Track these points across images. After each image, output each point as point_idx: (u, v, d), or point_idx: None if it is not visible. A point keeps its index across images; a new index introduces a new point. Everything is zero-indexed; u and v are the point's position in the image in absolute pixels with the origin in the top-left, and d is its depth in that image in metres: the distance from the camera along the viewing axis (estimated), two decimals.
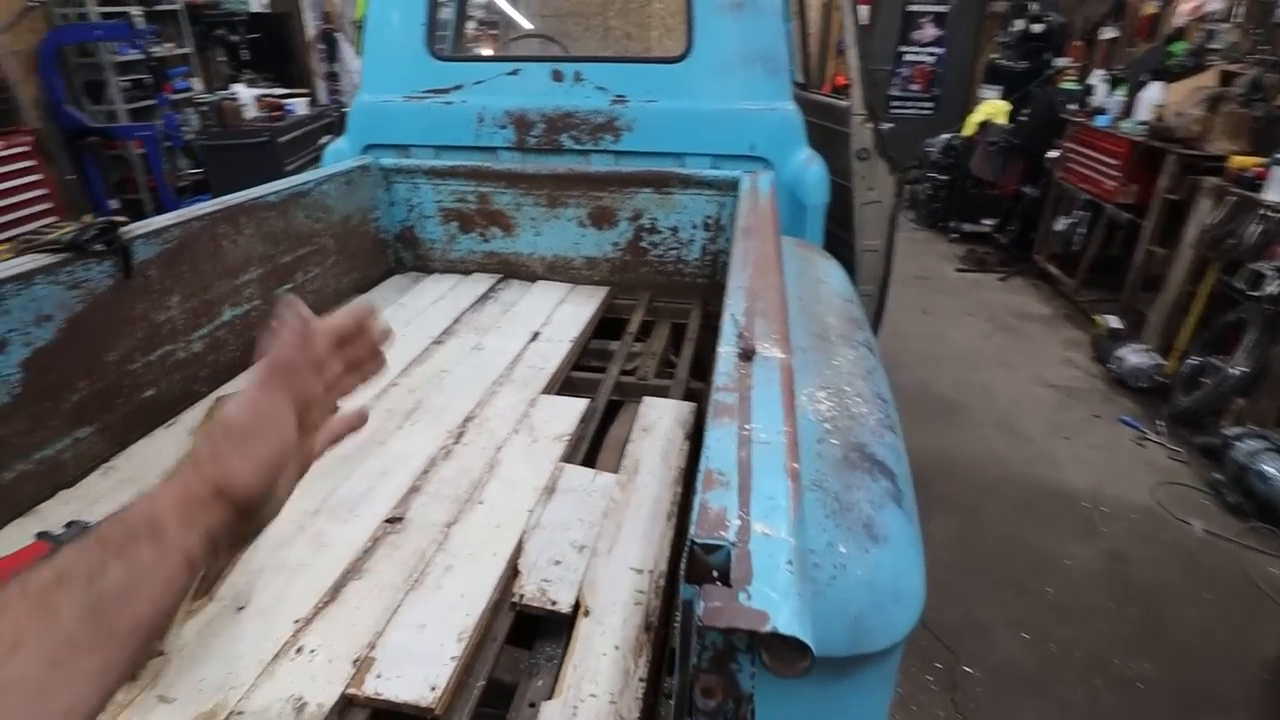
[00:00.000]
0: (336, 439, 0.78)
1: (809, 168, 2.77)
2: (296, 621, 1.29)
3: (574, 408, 1.99)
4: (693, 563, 0.77)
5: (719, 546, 0.79)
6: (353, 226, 2.64)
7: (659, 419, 1.94)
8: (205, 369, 1.96)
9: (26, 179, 5.24)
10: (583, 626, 1.30)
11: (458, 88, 2.86)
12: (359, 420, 0.81)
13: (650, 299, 2.81)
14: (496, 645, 1.30)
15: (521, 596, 1.37)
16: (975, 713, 2.13)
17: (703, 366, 2.31)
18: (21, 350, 1.48)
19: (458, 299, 2.65)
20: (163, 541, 0.50)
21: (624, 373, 2.30)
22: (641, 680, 1.20)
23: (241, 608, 1.32)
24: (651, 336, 2.61)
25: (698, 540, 0.79)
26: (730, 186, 2.64)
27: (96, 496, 1.56)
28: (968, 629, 2.45)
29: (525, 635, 1.40)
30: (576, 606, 1.34)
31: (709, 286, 2.80)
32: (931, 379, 4.42)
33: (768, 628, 0.68)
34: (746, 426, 1.02)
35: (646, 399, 2.05)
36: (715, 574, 0.76)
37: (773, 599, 0.72)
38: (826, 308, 1.78)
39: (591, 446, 1.90)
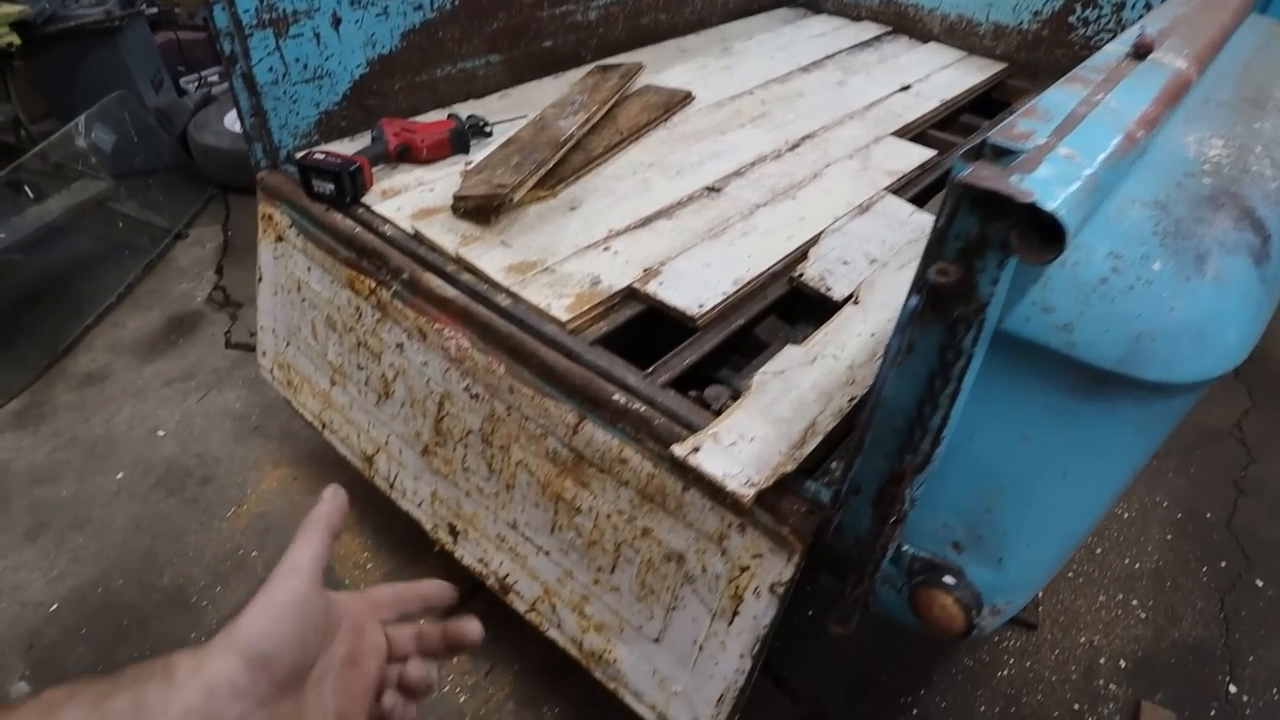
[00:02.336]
0: None
1: None
2: (610, 231, 1.49)
3: (917, 154, 1.88)
4: (977, 152, 0.74)
5: (1013, 151, 0.74)
6: None
7: None
8: (593, 39, 2.19)
9: None
10: (848, 309, 1.32)
11: None
12: None
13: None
14: (764, 304, 1.39)
15: (801, 275, 1.42)
16: (1243, 622, 1.81)
17: None
18: None
19: (838, 39, 2.55)
20: (170, 684, 0.45)
21: None
22: None
23: (573, 208, 1.55)
24: None
25: (991, 140, 0.75)
26: None
27: (492, 111, 1.89)
28: None
29: (791, 315, 1.48)
30: (849, 298, 1.37)
31: None
32: None
33: (1028, 200, 0.64)
34: (1098, 97, 0.90)
35: None
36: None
37: (1047, 188, 0.67)
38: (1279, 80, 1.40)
39: (922, 195, 1.81)
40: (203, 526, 1.94)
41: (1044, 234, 0.67)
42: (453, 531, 1.48)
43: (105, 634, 1.74)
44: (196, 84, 3.51)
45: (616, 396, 1.14)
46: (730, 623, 1.10)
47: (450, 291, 1.34)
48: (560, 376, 1.19)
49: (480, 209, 1.44)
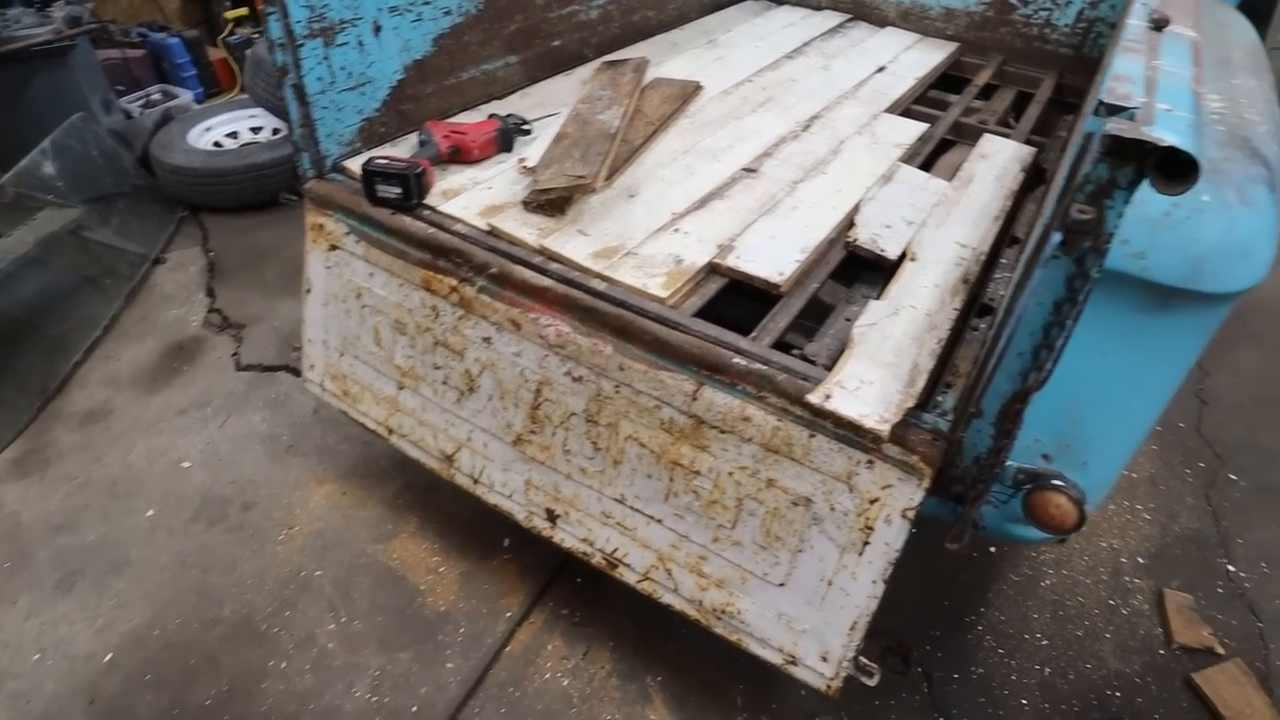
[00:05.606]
0: None
1: None
2: (673, 214, 1.58)
3: (913, 127, 2.04)
4: (1105, 106, 0.87)
5: (1125, 109, 0.88)
6: None
7: (997, 152, 1.94)
8: (594, 36, 2.27)
9: None
10: (908, 267, 1.46)
11: None
12: None
13: (1001, 63, 2.67)
14: (828, 268, 1.51)
15: (855, 240, 1.55)
16: (1227, 511, 2.10)
17: (1046, 128, 2.23)
18: None
19: (808, 28, 2.71)
20: None
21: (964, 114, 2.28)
22: (955, 310, 1.36)
23: (632, 196, 1.64)
24: (994, 98, 2.52)
25: (1105, 100, 0.88)
26: None
27: (516, 109, 1.94)
28: (1247, 448, 2.30)
29: (846, 279, 1.61)
30: (903, 256, 1.51)
31: (1071, 60, 2.59)
32: None
33: (1165, 142, 0.78)
34: (1154, 63, 1.06)
35: (987, 135, 2.05)
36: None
37: (1174, 130, 0.81)
38: (1231, 46, 1.63)
39: (926, 163, 1.97)
40: (255, 553, 1.91)
41: (1173, 170, 0.81)
42: (550, 516, 1.54)
43: (173, 676, 1.69)
44: (142, 103, 3.37)
45: (736, 360, 1.24)
46: (860, 553, 1.21)
47: (544, 281, 1.40)
48: (674, 349, 1.28)
49: (560, 200, 1.51)
